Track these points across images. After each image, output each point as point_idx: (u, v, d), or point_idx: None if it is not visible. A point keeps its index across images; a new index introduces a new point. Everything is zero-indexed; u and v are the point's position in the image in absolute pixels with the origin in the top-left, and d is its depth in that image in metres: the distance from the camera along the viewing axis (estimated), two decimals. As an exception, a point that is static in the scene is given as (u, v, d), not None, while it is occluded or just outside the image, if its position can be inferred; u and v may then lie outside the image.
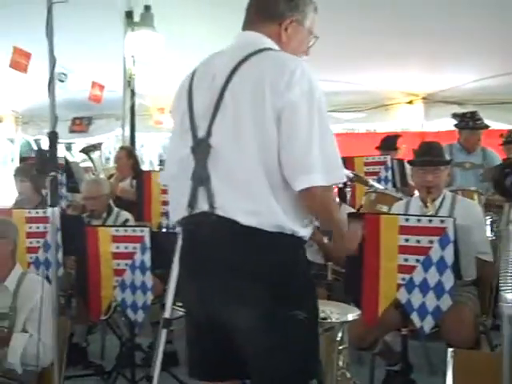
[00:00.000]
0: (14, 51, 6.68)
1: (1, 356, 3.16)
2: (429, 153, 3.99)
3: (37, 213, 4.54)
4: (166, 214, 5.69)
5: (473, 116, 6.03)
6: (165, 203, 5.71)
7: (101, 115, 9.39)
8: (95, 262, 4.15)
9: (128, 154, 6.66)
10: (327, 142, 2.11)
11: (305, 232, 2.21)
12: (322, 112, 2.12)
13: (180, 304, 3.27)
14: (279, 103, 2.08)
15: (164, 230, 5.49)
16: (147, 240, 4.01)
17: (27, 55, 6.81)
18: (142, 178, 5.85)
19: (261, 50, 2.21)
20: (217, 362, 2.31)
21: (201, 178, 2.19)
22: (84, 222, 4.78)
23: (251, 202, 2.12)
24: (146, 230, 4.07)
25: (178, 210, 2.30)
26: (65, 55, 7.32)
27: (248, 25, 2.38)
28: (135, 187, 6.04)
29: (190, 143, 2.24)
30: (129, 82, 7.47)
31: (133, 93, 7.57)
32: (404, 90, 8.10)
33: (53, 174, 2.08)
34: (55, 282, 3.06)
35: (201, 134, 2.22)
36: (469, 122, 5.99)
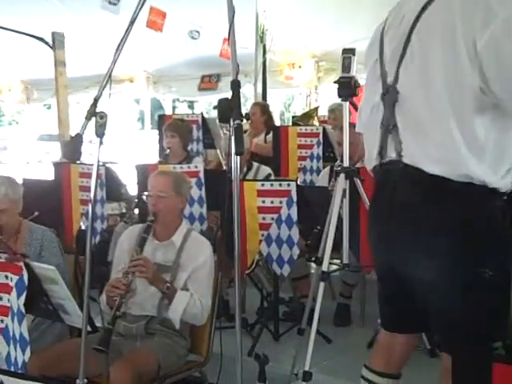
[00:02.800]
0: (150, 11, 6.81)
1: (161, 307, 3.25)
2: None
3: (181, 168, 4.63)
4: (302, 170, 5.69)
5: None
6: (301, 158, 5.70)
7: (229, 72, 9.40)
8: (241, 217, 4.15)
9: (262, 109, 6.66)
10: None
11: (501, 183, 2.05)
12: None
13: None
14: (479, 42, 1.92)
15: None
16: (294, 194, 3.99)
17: (163, 14, 6.93)
18: (278, 133, 5.84)
19: None
20: (396, 313, 2.37)
21: (389, 126, 2.18)
22: (228, 176, 4.83)
23: (438, 150, 2.05)
24: (293, 184, 4.06)
25: (370, 160, 2.32)
26: (197, 13, 7.44)
27: None
28: (272, 143, 6.03)
29: (380, 90, 2.22)
30: (261, 38, 7.45)
31: (265, 48, 7.55)
32: None
33: (237, 122, 2.07)
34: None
35: (389, 79, 2.18)
36: None
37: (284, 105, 18.55)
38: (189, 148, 5.93)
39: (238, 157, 2.26)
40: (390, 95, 2.17)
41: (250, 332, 4.47)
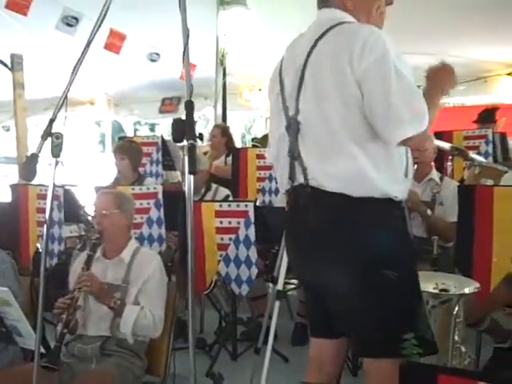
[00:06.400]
0: (109, 33, 6.83)
1: (114, 326, 3.25)
2: None
3: (140, 189, 4.63)
4: (261, 191, 5.73)
5: None
6: (260, 180, 5.75)
7: (189, 95, 9.44)
8: (199, 237, 4.20)
9: (222, 131, 6.71)
10: (410, 97, 2.16)
11: (398, 192, 2.29)
12: (399, 72, 2.15)
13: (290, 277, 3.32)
14: (358, 71, 2.17)
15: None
16: (251, 214, 4.04)
17: (122, 37, 6.96)
18: (237, 155, 5.89)
19: (334, 26, 2.30)
20: (319, 320, 2.58)
21: (294, 154, 2.38)
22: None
23: (337, 170, 2.26)
24: (251, 204, 4.10)
25: (282, 184, 2.53)
26: (157, 36, 7.48)
27: (321, 2, 2.46)
28: (231, 164, 6.07)
29: (284, 122, 2.43)
30: (221, 61, 7.53)
31: (225, 71, 7.62)
32: (504, 61, 7.78)
33: (191, 141, 2.12)
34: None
35: (291, 113, 2.40)
36: None
37: (245, 127, 18.65)
38: (148, 170, 5.93)
39: (192, 176, 2.29)
40: (292, 127, 2.38)
41: (208, 352, 4.47)
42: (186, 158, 2.18)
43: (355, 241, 2.26)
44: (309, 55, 2.32)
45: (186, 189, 2.28)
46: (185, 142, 2.23)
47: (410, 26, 5.94)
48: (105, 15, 2.54)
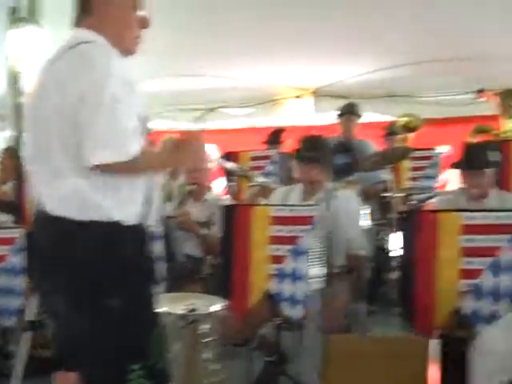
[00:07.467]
0: None
1: None
2: (309, 148, 4.02)
3: None
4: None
5: (352, 105, 6.34)
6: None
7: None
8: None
9: (11, 155, 6.43)
10: (116, 128, 2.13)
11: (126, 216, 2.24)
12: (115, 100, 2.13)
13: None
14: (76, 94, 2.13)
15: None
16: (20, 241, 3.86)
17: None
18: (21, 179, 5.67)
19: (72, 47, 2.24)
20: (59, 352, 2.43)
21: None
22: None
23: (58, 193, 2.22)
24: (19, 230, 3.91)
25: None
26: None
27: (74, 23, 2.40)
28: (15, 189, 5.83)
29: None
30: (14, 81, 7.19)
31: (18, 91, 7.29)
32: (293, 85, 8.17)
33: None
34: None
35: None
36: (348, 108, 6.28)
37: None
38: None
39: None
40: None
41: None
42: None
43: (74, 268, 2.19)
44: (41, 78, 2.31)
45: None
46: None
47: (200, 49, 6.07)
48: None
